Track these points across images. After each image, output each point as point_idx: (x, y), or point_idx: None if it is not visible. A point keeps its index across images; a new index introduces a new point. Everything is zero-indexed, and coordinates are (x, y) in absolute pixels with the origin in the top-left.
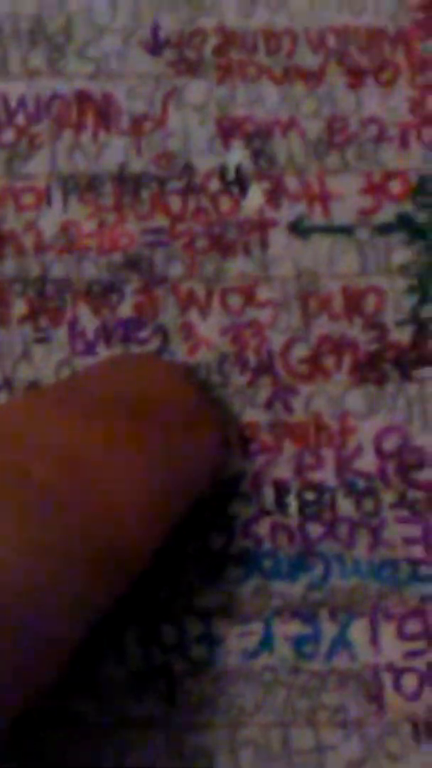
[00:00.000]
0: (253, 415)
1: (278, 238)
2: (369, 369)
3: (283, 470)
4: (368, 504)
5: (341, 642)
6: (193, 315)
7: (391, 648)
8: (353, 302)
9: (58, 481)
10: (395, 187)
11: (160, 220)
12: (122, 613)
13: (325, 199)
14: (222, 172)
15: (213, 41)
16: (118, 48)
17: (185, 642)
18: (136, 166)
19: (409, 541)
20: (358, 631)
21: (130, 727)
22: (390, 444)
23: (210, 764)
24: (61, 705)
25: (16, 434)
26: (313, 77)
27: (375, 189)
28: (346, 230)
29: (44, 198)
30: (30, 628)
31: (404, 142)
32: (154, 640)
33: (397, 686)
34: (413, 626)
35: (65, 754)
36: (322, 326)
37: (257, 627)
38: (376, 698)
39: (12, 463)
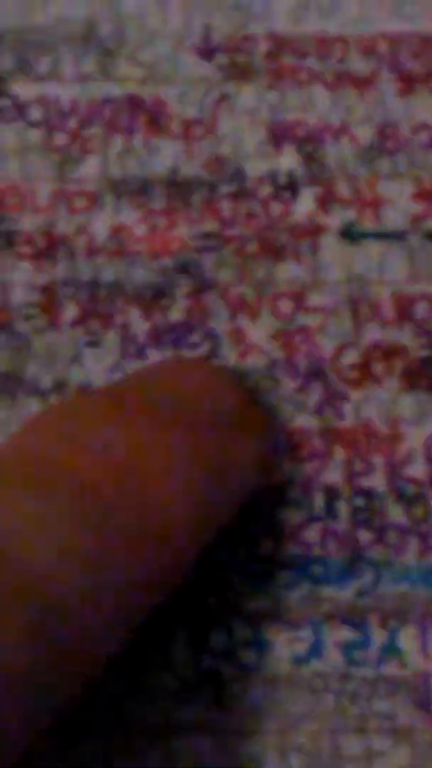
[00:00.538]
0: (303, 421)
1: (329, 243)
2: (419, 375)
3: (333, 476)
4: (418, 510)
5: (391, 649)
6: (243, 320)
7: None
8: (404, 308)
9: (110, 486)
10: None
11: (211, 225)
12: (171, 618)
13: (376, 204)
14: (273, 177)
15: (264, 47)
16: (169, 53)
17: (234, 647)
18: (187, 170)
19: None
20: (408, 638)
21: (179, 732)
22: None
23: None
24: (111, 709)
25: (70, 434)
26: (365, 83)
27: (426, 195)
28: (397, 236)
29: (96, 202)
30: (88, 631)
31: None
32: (202, 645)
33: None
34: None
35: (113, 759)
36: (373, 332)
37: (306, 633)
38: (425, 706)
39: (67, 466)
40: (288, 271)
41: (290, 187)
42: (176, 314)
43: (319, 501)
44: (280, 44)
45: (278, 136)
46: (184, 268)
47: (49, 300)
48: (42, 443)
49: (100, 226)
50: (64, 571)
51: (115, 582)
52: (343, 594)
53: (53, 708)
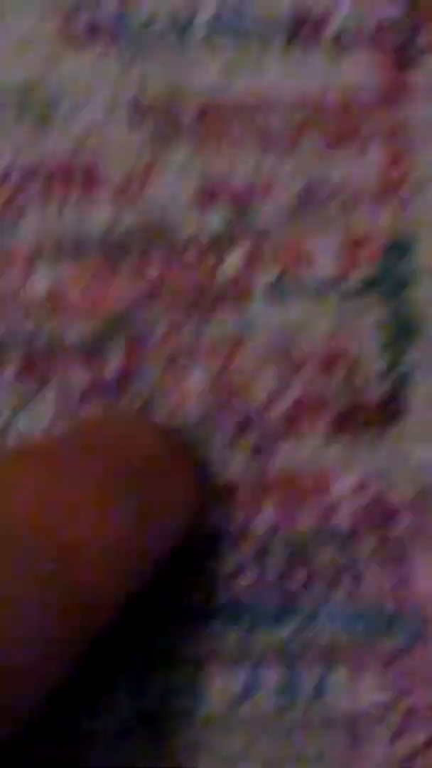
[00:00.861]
0: (233, 471)
1: (257, 300)
2: (345, 426)
3: (262, 525)
4: (348, 554)
5: (322, 689)
6: (176, 374)
7: (371, 695)
8: (329, 362)
9: (24, 528)
10: (369, 248)
11: (144, 283)
12: (112, 661)
13: (301, 260)
14: (203, 235)
15: (192, 109)
16: (101, 119)
17: (171, 690)
18: (120, 230)
19: (386, 590)
20: (339, 679)
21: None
22: (366, 497)
23: None
24: (44, 754)
25: None
26: (290, 143)
27: (349, 250)
28: (322, 291)
29: (32, 261)
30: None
31: (378, 205)
32: (141, 688)
33: (378, 733)
34: (392, 675)
35: None
36: (300, 384)
37: (241, 675)
38: (356, 746)
39: None
40: (219, 327)
41: (219, 245)
42: (113, 367)
43: (249, 549)
44: (206, 108)
45: (208, 195)
46: (120, 323)
47: None
48: None
49: (37, 284)
50: None
51: (33, 628)
52: (275, 636)
53: None
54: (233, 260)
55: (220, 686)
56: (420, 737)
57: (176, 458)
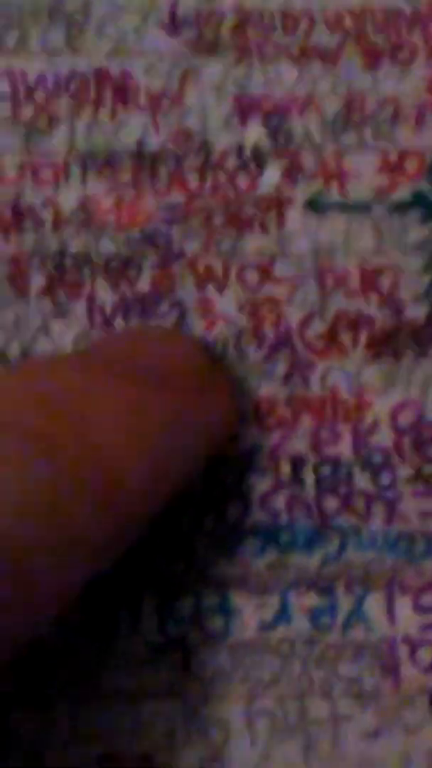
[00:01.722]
0: (269, 390)
1: (295, 215)
2: (385, 345)
3: (299, 444)
4: (384, 478)
5: (357, 614)
6: (210, 291)
7: (407, 621)
8: (369, 279)
9: (52, 429)
10: (411, 165)
11: (178, 197)
12: (139, 585)
13: (341, 177)
14: (239, 149)
15: (230, 21)
16: (135, 26)
17: (201, 614)
18: (154, 143)
19: (424, 515)
20: (374, 604)
21: (147, 697)
22: (405, 419)
23: (226, 735)
24: (80, 675)
25: (32, 392)
26: (330, 57)
27: (391, 168)
28: (363, 208)
29: (63, 174)
30: (25, 572)
31: (420, 122)
32: (170, 612)
33: (413, 659)
34: (429, 599)
35: (81, 724)
36: (339, 303)
37: (273, 599)
38: (391, 670)
39: (18, 418)
40: (254, 242)
41: (256, 160)
42: (143, 285)
43: (285, 469)
44: (245, 18)
45: (244, 109)
46: (151, 240)
47: (16, 271)
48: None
49: (68, 197)
50: (18, 527)
51: (71, 534)
52: (310, 561)
53: None
54: (271, 176)
55: (251, 610)
56: None
57: (212, 374)
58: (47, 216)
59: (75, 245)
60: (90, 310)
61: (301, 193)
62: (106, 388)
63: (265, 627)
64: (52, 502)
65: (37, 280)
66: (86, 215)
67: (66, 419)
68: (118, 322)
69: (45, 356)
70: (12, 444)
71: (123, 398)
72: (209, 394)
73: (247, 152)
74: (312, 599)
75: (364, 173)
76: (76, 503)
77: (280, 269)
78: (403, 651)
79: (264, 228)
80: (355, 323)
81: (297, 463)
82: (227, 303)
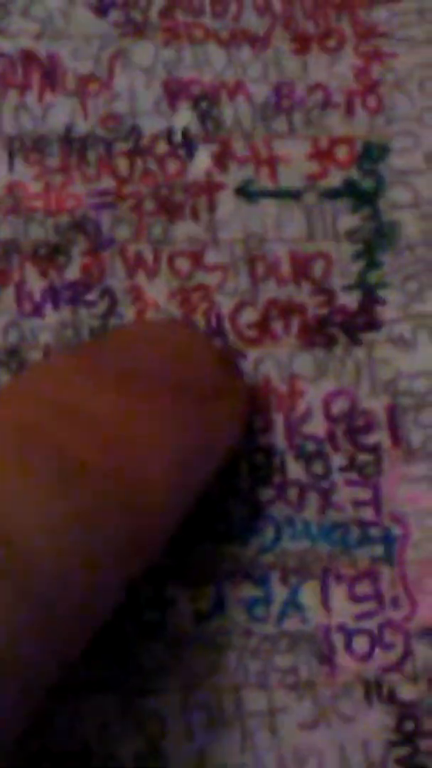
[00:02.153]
0: None
1: (226, 201)
2: (317, 333)
3: None
4: (318, 467)
5: (292, 604)
6: (141, 278)
7: (342, 610)
8: (301, 267)
9: (91, 453)
10: (342, 153)
11: (107, 182)
12: None
13: (272, 163)
14: (169, 134)
15: (159, 3)
16: (63, 7)
17: (136, 605)
18: (83, 127)
19: (358, 504)
20: (309, 594)
21: (82, 691)
22: (338, 407)
23: (162, 728)
24: None
25: (51, 401)
26: (260, 41)
27: (322, 154)
28: (294, 195)
29: None
30: (61, 597)
31: (350, 109)
32: None
33: (349, 648)
34: (364, 588)
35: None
36: (270, 290)
37: (209, 590)
38: (327, 660)
39: (49, 434)
40: (185, 229)
41: (186, 145)
42: (73, 272)
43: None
44: (174, 1)
45: (174, 93)
46: (80, 226)
47: None
48: (23, 410)
49: None
50: (47, 546)
51: (100, 550)
52: (245, 551)
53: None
54: (201, 161)
55: (186, 601)
56: (392, 655)
57: (228, 377)
58: None
59: (2, 232)
60: (19, 298)
61: (231, 179)
62: (132, 400)
63: (201, 618)
64: (81, 518)
65: None
66: (14, 201)
67: (96, 436)
68: (48, 310)
69: (63, 358)
70: (45, 462)
71: (151, 410)
72: (226, 398)
73: (177, 137)
74: (247, 590)
75: (295, 160)
76: (104, 521)
77: (211, 256)
78: (338, 640)
79: (195, 215)
80: (287, 311)
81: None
82: (158, 291)
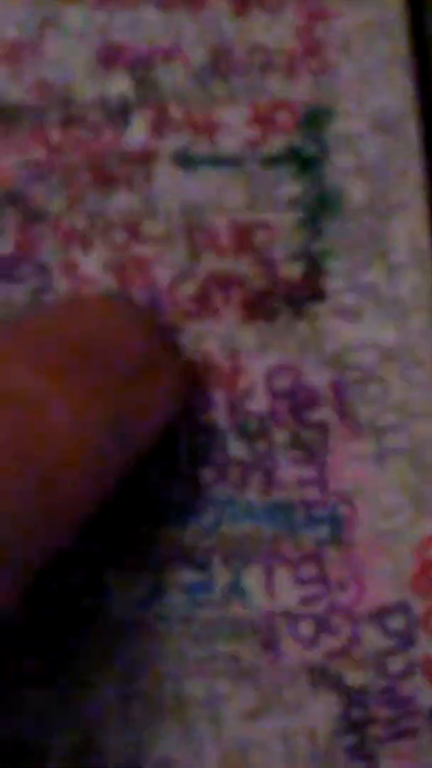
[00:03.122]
0: None
1: (163, 170)
2: (259, 305)
3: None
4: (261, 445)
5: (235, 589)
6: (75, 252)
7: (287, 594)
8: (241, 237)
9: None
10: (283, 118)
11: (39, 153)
12: None
13: (210, 129)
14: (103, 101)
15: None
16: None
17: (72, 592)
18: (13, 95)
19: (303, 483)
20: (253, 577)
21: (16, 683)
22: (282, 383)
23: (101, 717)
24: None
25: None
26: (197, 3)
27: (262, 119)
28: (233, 162)
29: None
30: None
31: (292, 72)
32: (40, 593)
33: (294, 633)
34: (309, 571)
35: None
36: (210, 262)
37: (147, 575)
38: (271, 646)
39: None
40: (121, 200)
41: (121, 112)
42: (5, 246)
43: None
44: None
45: (108, 59)
46: (11, 199)
47: None
48: None
49: None
50: None
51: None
52: (184, 534)
53: None
54: (136, 129)
55: (124, 587)
56: (338, 641)
57: (159, 352)
58: None
59: None
60: None
61: (168, 147)
62: (54, 379)
63: (140, 605)
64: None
65: None
66: None
67: (10, 418)
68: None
69: None
70: None
71: (71, 390)
72: (158, 378)
73: (112, 105)
74: (188, 575)
75: (235, 126)
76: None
77: (147, 228)
78: (282, 625)
79: (130, 185)
80: (227, 283)
81: (169, 433)
82: (93, 264)
